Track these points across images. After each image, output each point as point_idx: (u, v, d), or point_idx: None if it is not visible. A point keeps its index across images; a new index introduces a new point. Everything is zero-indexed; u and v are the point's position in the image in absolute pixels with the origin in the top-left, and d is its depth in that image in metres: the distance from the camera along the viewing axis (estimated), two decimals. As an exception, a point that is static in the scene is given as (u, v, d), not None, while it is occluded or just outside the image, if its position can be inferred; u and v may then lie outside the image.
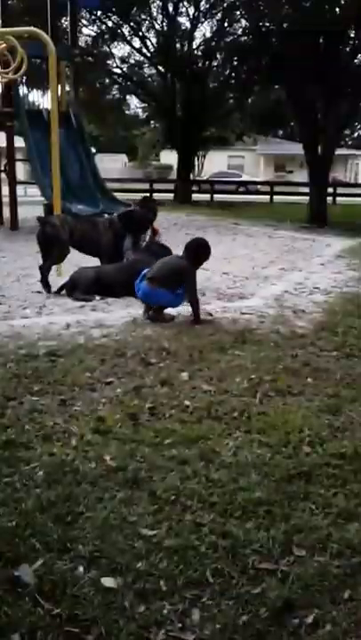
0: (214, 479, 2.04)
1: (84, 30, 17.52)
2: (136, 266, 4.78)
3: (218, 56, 17.83)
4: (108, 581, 1.55)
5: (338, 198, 18.88)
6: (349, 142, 33.28)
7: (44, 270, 5.14)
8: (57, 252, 5.15)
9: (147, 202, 5.78)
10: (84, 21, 17.14)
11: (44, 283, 5.09)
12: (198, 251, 4.36)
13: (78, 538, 1.71)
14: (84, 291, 4.81)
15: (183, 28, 18.25)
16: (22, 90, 11.18)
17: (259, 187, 23.72)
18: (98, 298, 4.75)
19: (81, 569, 1.59)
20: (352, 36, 12.82)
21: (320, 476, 2.08)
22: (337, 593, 1.54)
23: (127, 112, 24.50)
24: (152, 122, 26.13)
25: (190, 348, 3.45)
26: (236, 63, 16.07)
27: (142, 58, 19.07)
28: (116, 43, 18.74)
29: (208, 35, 18.44)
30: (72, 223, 5.30)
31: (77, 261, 5.55)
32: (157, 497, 1.93)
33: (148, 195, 6.72)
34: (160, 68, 18.51)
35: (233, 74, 17.09)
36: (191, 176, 22.01)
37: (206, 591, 1.54)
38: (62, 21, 14.06)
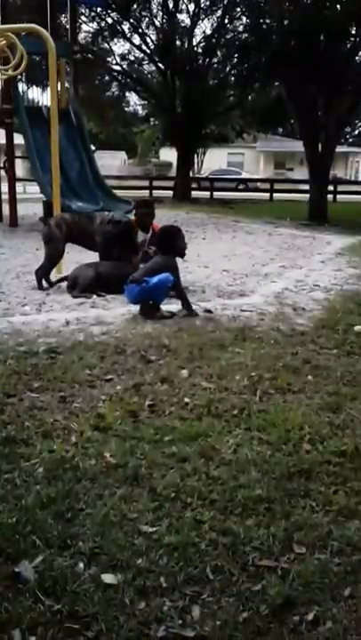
0: (214, 476, 2.04)
1: (84, 27, 17.47)
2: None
3: (218, 53, 17.79)
4: (108, 578, 1.54)
5: (338, 196, 18.87)
6: (350, 140, 33.23)
7: (40, 275, 5.15)
8: (49, 252, 5.15)
9: (141, 205, 5.40)
10: (84, 18, 17.09)
11: (40, 285, 5.11)
12: (162, 237, 4.31)
13: (78, 534, 1.71)
14: (83, 289, 4.80)
15: (183, 24, 18.19)
16: (22, 87, 11.15)
17: (259, 184, 23.69)
18: (94, 296, 4.75)
19: (81, 565, 1.59)
20: (353, 33, 12.79)
21: (320, 473, 2.07)
22: (337, 590, 1.54)
23: (127, 109, 24.44)
24: (152, 119, 26.08)
25: (190, 346, 3.45)
26: (236, 60, 16.03)
27: (142, 55, 19.01)
28: (115, 40, 18.68)
29: (208, 32, 18.38)
30: (70, 220, 5.28)
31: (78, 258, 5.54)
32: (157, 494, 1.93)
33: (146, 198, 6.07)
34: (160, 65, 18.45)
35: (233, 71, 17.07)
36: (191, 173, 21.97)
37: (206, 588, 1.54)
38: (62, 18, 14.02)
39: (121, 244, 5.04)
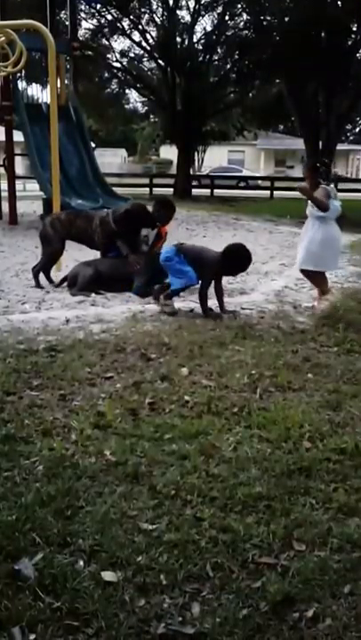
0: (214, 474, 2.04)
1: (84, 24, 17.42)
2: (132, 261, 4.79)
3: (218, 50, 17.75)
4: (108, 575, 1.55)
5: (339, 194, 18.82)
6: (351, 138, 33.17)
7: (36, 272, 5.16)
8: (46, 251, 5.16)
9: (160, 205, 5.23)
10: (84, 15, 17.03)
11: (37, 283, 5.11)
12: (232, 256, 4.22)
13: (78, 532, 1.71)
14: (82, 287, 4.80)
15: (183, 21, 18.13)
16: (21, 84, 11.12)
17: (259, 182, 23.64)
18: (94, 294, 4.75)
19: (81, 563, 1.59)
20: (354, 30, 12.76)
21: (320, 471, 2.08)
22: (337, 587, 1.54)
23: (127, 106, 24.37)
24: (152, 116, 26.03)
25: (190, 344, 3.44)
26: (236, 57, 16.00)
27: (142, 51, 18.97)
28: (115, 36, 18.63)
29: (209, 28, 18.35)
30: (69, 219, 5.26)
31: (78, 256, 5.54)
32: (157, 491, 1.93)
33: (168, 199, 5.89)
34: (160, 61, 18.41)
35: (234, 68, 17.02)
36: (191, 171, 21.95)
37: (206, 585, 1.54)
38: (62, 15, 13.98)
39: (131, 228, 4.91)
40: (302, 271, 4.53)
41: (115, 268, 4.94)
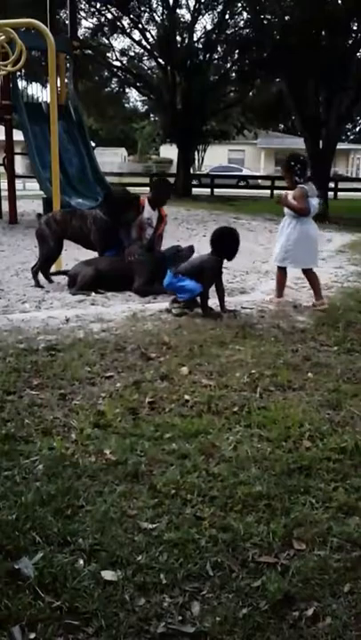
0: (214, 473, 2.04)
1: (84, 22, 17.40)
2: (130, 259, 4.80)
3: (219, 49, 17.73)
4: (108, 574, 1.55)
5: (339, 193, 18.83)
6: (351, 137, 33.16)
7: (35, 271, 5.16)
8: (43, 251, 5.16)
9: (160, 184, 5.42)
10: (84, 13, 17.01)
11: (36, 282, 5.12)
12: (222, 240, 4.32)
13: (78, 531, 1.71)
14: (82, 286, 4.79)
15: (183, 20, 18.11)
16: (21, 83, 11.10)
17: (259, 181, 23.63)
18: (93, 294, 4.75)
19: (81, 562, 1.59)
20: (354, 28, 12.74)
21: (320, 470, 2.08)
22: (337, 586, 1.54)
23: (127, 105, 24.37)
24: (152, 115, 26.02)
25: (190, 343, 3.44)
26: (237, 56, 15.98)
27: (142, 50, 18.95)
28: (115, 35, 18.61)
29: (209, 27, 18.33)
30: (65, 218, 5.24)
31: (77, 255, 5.53)
32: (157, 491, 1.93)
33: (165, 179, 6.37)
34: (160, 60, 18.39)
35: (234, 67, 17.01)
36: (191, 170, 21.94)
37: (206, 584, 1.54)
38: (61, 13, 13.97)
39: (120, 212, 4.95)
40: (303, 271, 4.62)
41: (114, 266, 4.93)
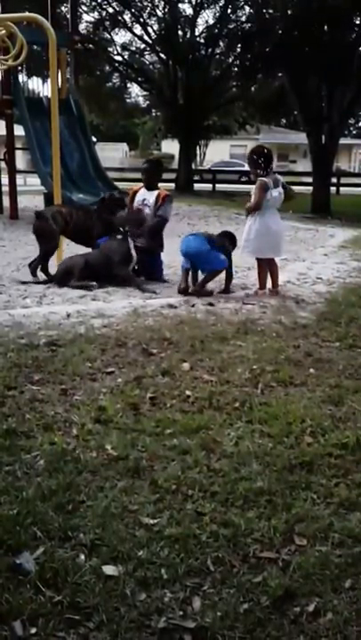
0: (216, 469, 2.04)
1: (85, 17, 17.30)
2: (109, 250, 4.89)
3: (221, 43, 17.62)
4: (109, 569, 1.55)
5: (341, 188, 18.74)
6: (354, 132, 33.00)
7: (34, 267, 5.15)
8: (44, 247, 5.15)
9: (149, 164, 5.57)
10: (85, 8, 16.92)
11: (35, 278, 5.11)
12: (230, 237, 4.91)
13: (79, 526, 1.71)
14: (80, 277, 4.80)
15: (185, 14, 18.01)
16: (22, 77, 11.06)
17: (261, 177, 23.46)
18: (94, 283, 4.76)
19: (82, 557, 1.59)
20: (357, 23, 12.65)
21: (322, 466, 2.07)
22: (338, 582, 1.54)
23: (128, 100, 24.26)
24: (153, 110, 25.90)
25: (192, 339, 3.44)
26: (239, 50, 15.88)
27: (144, 45, 18.85)
28: (116, 29, 18.51)
29: (211, 21, 18.23)
30: (68, 213, 5.24)
31: (77, 250, 5.52)
32: (158, 486, 1.92)
33: (153, 158, 7.01)
34: (162, 55, 18.30)
35: (236, 61, 16.91)
36: (193, 165, 21.85)
37: (207, 579, 1.54)
38: (62, 7, 13.89)
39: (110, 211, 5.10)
40: (259, 260, 4.90)
41: (102, 259, 4.94)
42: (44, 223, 5.10)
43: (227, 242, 4.85)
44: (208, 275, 4.70)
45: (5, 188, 10.61)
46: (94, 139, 12.75)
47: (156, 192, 5.24)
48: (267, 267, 4.82)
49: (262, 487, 1.92)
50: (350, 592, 1.50)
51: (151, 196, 5.21)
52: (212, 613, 1.42)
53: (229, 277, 4.79)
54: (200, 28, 18.57)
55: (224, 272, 4.75)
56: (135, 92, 24.95)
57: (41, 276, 5.16)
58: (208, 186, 19.53)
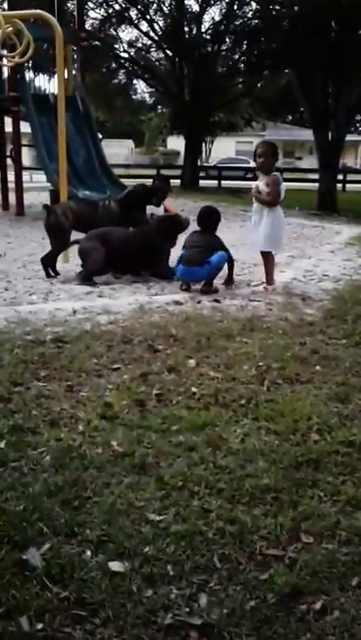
0: (222, 466, 2.03)
1: (91, 13, 17.28)
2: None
3: (227, 40, 17.55)
4: (115, 565, 1.55)
5: (348, 185, 18.66)
6: (360, 129, 32.77)
7: (46, 261, 5.16)
8: (57, 242, 5.16)
9: (160, 179, 6.07)
10: (91, 4, 16.89)
11: (47, 273, 5.12)
12: (211, 218, 4.91)
13: (85, 522, 1.71)
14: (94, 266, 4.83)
15: (192, 10, 17.93)
16: (28, 74, 11.06)
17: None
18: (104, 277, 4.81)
19: (88, 553, 1.59)
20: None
21: (328, 463, 2.06)
22: (345, 580, 1.53)
23: (134, 97, 24.22)
24: (159, 107, 25.86)
25: (198, 335, 3.43)
26: (245, 47, 15.80)
27: (150, 42, 18.81)
28: (123, 26, 18.48)
29: (217, 18, 18.14)
30: (77, 209, 5.27)
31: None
32: (165, 483, 1.92)
33: (164, 175, 7.51)
34: (168, 52, 18.26)
35: (242, 58, 16.82)
36: (199, 162, 21.82)
37: (214, 576, 1.53)
38: (69, 4, 13.87)
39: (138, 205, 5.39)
40: (265, 253, 4.93)
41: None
42: (56, 219, 5.12)
43: (215, 239, 4.79)
44: (213, 274, 4.69)
45: (12, 185, 10.64)
46: (100, 135, 12.73)
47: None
48: (272, 261, 4.86)
49: (268, 484, 1.91)
50: (357, 590, 1.49)
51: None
52: (218, 610, 1.42)
53: (231, 265, 4.82)
54: (206, 24, 18.45)
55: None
56: (141, 88, 24.93)
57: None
58: (214, 182, 19.48)
